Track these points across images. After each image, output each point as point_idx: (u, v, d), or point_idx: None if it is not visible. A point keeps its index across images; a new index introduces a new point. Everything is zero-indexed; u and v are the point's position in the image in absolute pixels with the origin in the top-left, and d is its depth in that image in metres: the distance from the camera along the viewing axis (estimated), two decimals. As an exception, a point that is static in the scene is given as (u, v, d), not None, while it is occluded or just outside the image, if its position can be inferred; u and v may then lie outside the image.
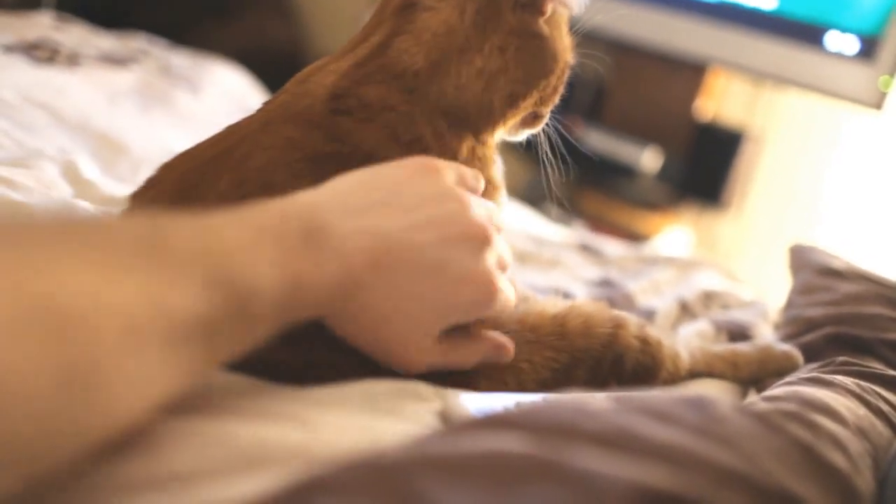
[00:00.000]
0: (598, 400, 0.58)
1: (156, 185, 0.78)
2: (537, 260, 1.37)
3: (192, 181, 0.75)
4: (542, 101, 0.85)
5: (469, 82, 0.78)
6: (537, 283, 1.21)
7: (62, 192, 1.04)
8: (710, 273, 1.40)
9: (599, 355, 0.80)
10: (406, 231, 0.64)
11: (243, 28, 2.96)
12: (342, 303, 0.62)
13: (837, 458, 0.62)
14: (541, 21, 0.81)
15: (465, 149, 0.79)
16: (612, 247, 1.53)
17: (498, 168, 0.85)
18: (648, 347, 0.84)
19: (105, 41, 2.02)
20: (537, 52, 0.81)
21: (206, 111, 1.79)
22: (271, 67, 2.98)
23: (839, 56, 2.09)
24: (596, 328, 0.80)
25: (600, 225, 2.40)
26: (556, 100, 0.87)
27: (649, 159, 2.33)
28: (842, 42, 2.09)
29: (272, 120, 0.78)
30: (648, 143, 2.36)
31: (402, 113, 0.76)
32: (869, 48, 2.05)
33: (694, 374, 0.92)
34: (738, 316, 1.19)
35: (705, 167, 2.38)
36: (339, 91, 0.77)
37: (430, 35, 0.78)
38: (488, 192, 0.80)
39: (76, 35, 1.97)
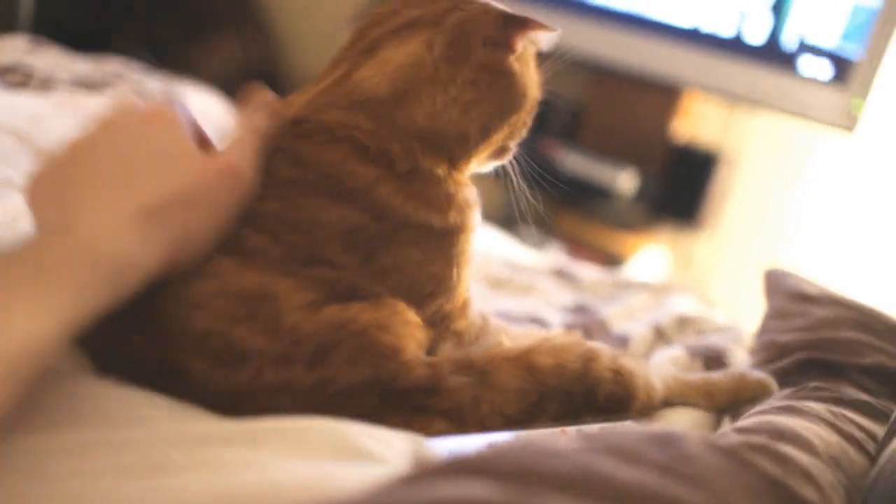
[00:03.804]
0: (564, 440, 0.57)
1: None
2: (511, 286, 1.37)
3: None
4: (511, 135, 0.86)
5: (445, 109, 0.79)
6: (511, 311, 1.21)
7: (28, 225, 1.02)
8: (685, 298, 1.40)
9: (571, 389, 0.80)
10: None
11: (221, 47, 2.95)
12: None
13: (809, 493, 0.62)
14: (511, 59, 0.82)
15: (440, 171, 0.80)
16: (586, 272, 1.53)
17: (472, 191, 0.85)
18: (621, 378, 0.84)
19: (79, 65, 2.01)
20: (508, 89, 0.82)
21: (180, 136, 1.78)
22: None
23: (812, 80, 2.11)
24: (567, 363, 0.80)
25: (577, 246, 2.41)
26: (524, 134, 0.87)
27: (625, 180, 2.34)
28: (815, 66, 2.12)
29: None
30: (625, 165, 2.37)
31: (366, 131, 0.77)
32: (841, 72, 2.07)
33: (668, 403, 0.92)
34: (712, 341, 1.19)
35: (681, 188, 2.40)
36: (300, 117, 0.78)
37: (395, 66, 0.79)
38: (464, 212, 0.81)
39: (50, 59, 1.96)
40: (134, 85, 1.95)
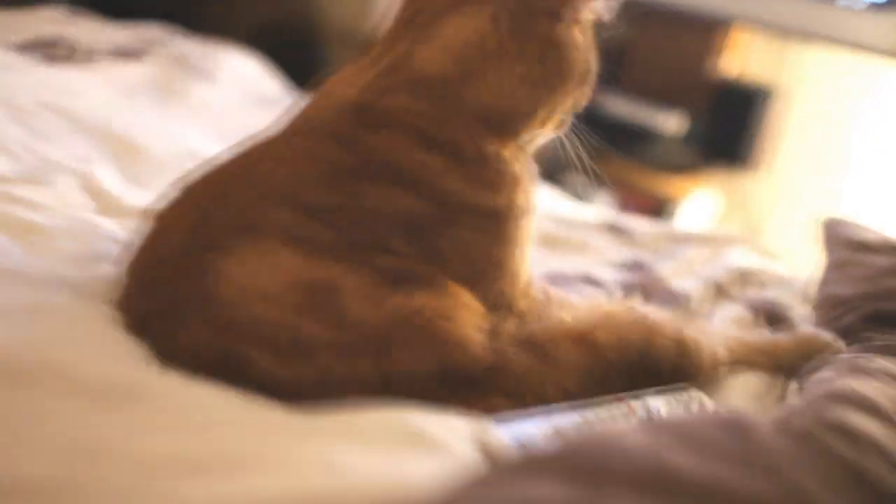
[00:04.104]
0: (633, 434, 0.56)
1: (179, 205, 0.77)
2: (566, 244, 1.35)
3: (215, 198, 0.74)
4: (573, 107, 0.84)
5: (511, 87, 0.77)
6: (566, 271, 1.19)
7: (82, 205, 1.03)
8: (744, 250, 1.36)
9: (634, 364, 0.79)
10: None
11: (257, 6, 2.92)
12: None
13: (883, 472, 0.61)
14: (575, 30, 0.79)
15: (507, 152, 0.78)
16: (639, 224, 1.50)
17: (534, 169, 0.84)
18: (685, 349, 0.83)
19: (118, 33, 2.00)
20: (573, 62, 0.80)
21: (220, 101, 1.77)
22: (286, 45, 2.96)
23: (860, 7, 2.03)
24: (630, 339, 0.79)
25: (627, 192, 2.37)
26: (583, 104, 0.85)
27: (673, 122, 2.29)
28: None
29: (296, 133, 0.78)
30: (671, 106, 2.31)
31: (432, 118, 0.75)
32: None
33: (733, 366, 0.91)
34: (773, 296, 1.16)
35: (731, 127, 2.33)
36: (362, 103, 0.76)
37: (459, 43, 0.76)
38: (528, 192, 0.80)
39: (89, 29, 1.96)
40: (171, 50, 1.94)
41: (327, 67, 2.91)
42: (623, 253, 1.34)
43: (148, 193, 1.18)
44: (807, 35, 2.14)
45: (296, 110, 0.81)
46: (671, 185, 2.40)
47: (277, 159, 0.75)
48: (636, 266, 1.27)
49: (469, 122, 0.76)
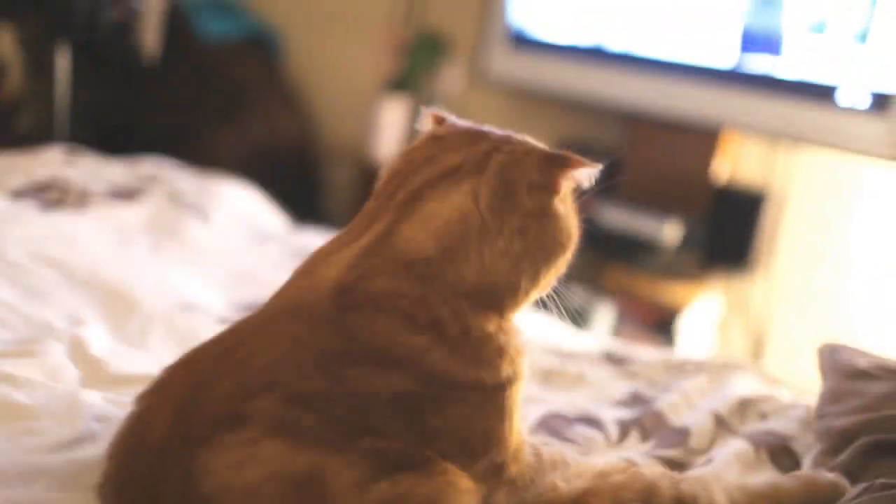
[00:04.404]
0: None
1: (161, 389, 0.76)
2: (562, 377, 1.33)
3: (197, 383, 0.73)
4: (556, 274, 0.84)
5: (494, 263, 0.77)
6: (563, 411, 1.17)
7: (69, 377, 1.02)
8: (744, 376, 1.34)
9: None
10: None
11: (252, 128, 2.98)
12: None
13: None
14: (556, 200, 0.79)
15: (491, 326, 0.78)
16: (639, 353, 1.48)
17: (521, 336, 0.83)
18: None
19: (114, 171, 2.03)
20: (555, 233, 0.80)
21: (217, 239, 1.78)
22: (282, 163, 3.01)
23: (852, 111, 2.05)
24: (624, 501, 0.77)
25: (628, 301, 2.35)
26: (565, 269, 0.84)
27: (670, 230, 2.29)
28: (853, 96, 2.06)
29: (277, 316, 0.77)
30: (668, 213, 2.31)
31: (415, 298, 0.75)
32: (881, 101, 2.01)
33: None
34: (776, 427, 1.13)
35: (729, 231, 2.33)
36: (345, 285, 0.75)
37: (440, 221, 0.76)
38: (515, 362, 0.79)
39: (86, 169, 1.98)
40: (167, 186, 1.96)
41: (326, 190, 2.97)
42: (621, 386, 1.31)
43: (138, 353, 1.18)
44: (803, 139, 2.16)
45: (277, 290, 0.81)
46: (673, 292, 2.38)
47: (259, 343, 0.74)
48: (635, 400, 1.25)
49: (452, 300, 0.75)
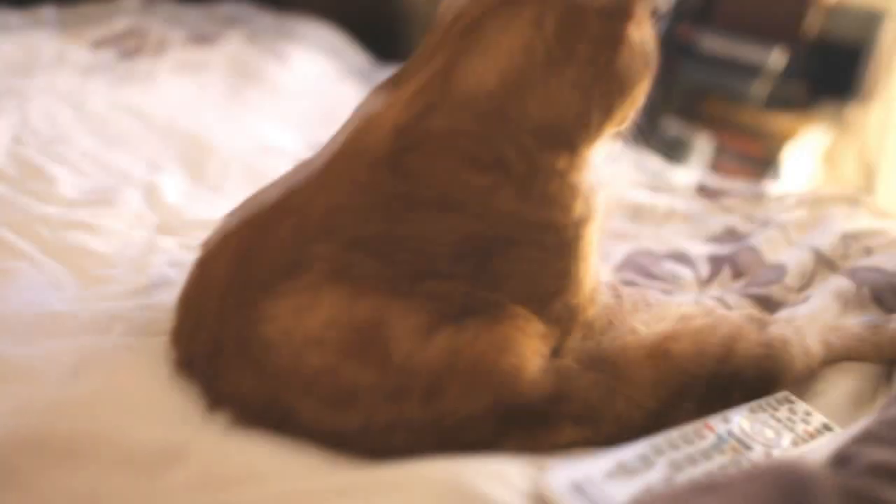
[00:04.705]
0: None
1: (223, 235, 0.74)
2: (651, 213, 1.26)
3: (257, 229, 0.71)
4: (633, 106, 0.76)
5: (562, 96, 0.70)
6: (653, 249, 1.12)
7: (145, 223, 1.02)
8: (851, 210, 1.23)
9: (714, 373, 0.72)
10: None
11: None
12: None
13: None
14: (630, 26, 0.71)
15: (561, 163, 0.71)
16: (733, 186, 1.39)
17: (596, 173, 0.76)
18: (773, 352, 0.76)
19: (192, 13, 2.00)
20: (629, 61, 0.72)
21: (297, 80, 1.75)
22: (365, 20, 2.89)
23: None
24: (708, 348, 0.73)
25: (728, 133, 2.23)
26: (643, 100, 0.77)
27: (775, 56, 2.12)
28: None
29: (336, 160, 0.73)
30: (770, 40, 2.14)
31: (477, 136, 0.69)
32: None
33: (830, 362, 0.83)
34: (884, 263, 1.04)
35: (838, 58, 2.14)
36: (402, 125, 0.70)
37: (501, 52, 0.70)
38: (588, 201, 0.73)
39: (163, 15, 1.96)
40: (246, 28, 1.92)
41: (409, 28, 2.86)
42: (715, 221, 1.24)
43: (215, 197, 1.17)
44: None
45: (336, 134, 0.76)
46: (777, 123, 2.24)
47: (317, 188, 0.70)
48: (729, 236, 1.18)
49: (518, 137, 0.69)
